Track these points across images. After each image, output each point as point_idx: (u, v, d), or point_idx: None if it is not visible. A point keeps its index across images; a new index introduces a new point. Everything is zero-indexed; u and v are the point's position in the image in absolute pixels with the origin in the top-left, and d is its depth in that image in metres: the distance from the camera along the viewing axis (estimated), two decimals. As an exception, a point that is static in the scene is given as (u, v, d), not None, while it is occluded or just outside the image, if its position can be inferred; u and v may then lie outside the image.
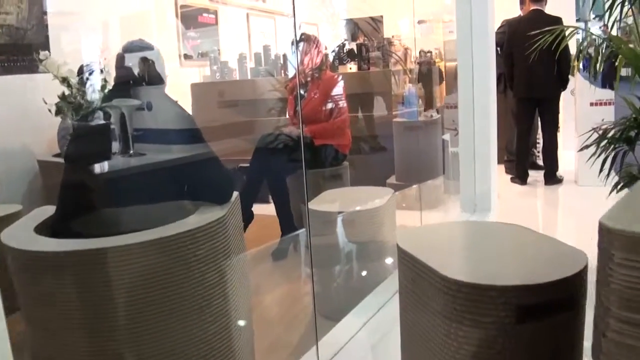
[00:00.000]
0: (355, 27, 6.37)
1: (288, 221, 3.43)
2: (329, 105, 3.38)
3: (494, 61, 3.43)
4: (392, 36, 4.86)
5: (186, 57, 5.40)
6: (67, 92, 2.68)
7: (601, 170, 3.01)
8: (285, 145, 3.31)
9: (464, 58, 3.32)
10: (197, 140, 1.87)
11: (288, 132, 3.39)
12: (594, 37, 3.18)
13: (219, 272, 1.68)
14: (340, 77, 3.63)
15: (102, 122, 2.15)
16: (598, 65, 3.06)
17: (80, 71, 2.88)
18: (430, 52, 4.73)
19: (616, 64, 3.00)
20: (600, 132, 2.95)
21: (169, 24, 5.12)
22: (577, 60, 4.34)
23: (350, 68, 4.93)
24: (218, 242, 1.66)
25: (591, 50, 3.26)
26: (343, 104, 3.45)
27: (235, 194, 1.88)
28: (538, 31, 3.55)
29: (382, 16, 6.87)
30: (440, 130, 4.60)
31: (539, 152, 5.74)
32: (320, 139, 3.35)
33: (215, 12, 5.87)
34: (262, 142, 3.38)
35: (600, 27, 7.90)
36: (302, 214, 3.62)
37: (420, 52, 4.66)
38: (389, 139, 4.59)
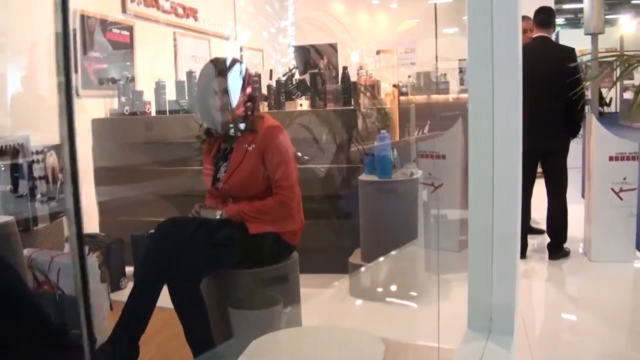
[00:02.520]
0: (307, 55, 5.25)
1: (202, 339, 2.15)
2: (271, 171, 2.11)
3: (520, 104, 2.27)
4: (360, 66, 3.67)
5: (86, 84, 4.11)
6: None
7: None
8: (200, 233, 2.04)
9: (480, 99, 2.14)
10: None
11: (203, 214, 2.11)
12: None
13: None
14: (285, 125, 2.38)
15: None
16: None
17: None
18: (407, 85, 3.57)
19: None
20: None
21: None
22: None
23: (301, 105, 3.71)
24: None
25: None
26: (292, 168, 2.17)
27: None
28: (573, 64, 2.47)
29: (336, 43, 5.83)
30: (420, 191, 3.43)
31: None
32: (255, 225, 2.07)
33: (130, 29, 4.62)
34: (161, 231, 2.08)
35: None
36: (230, 323, 2.35)
37: (395, 86, 3.49)
38: (351, 200, 3.38)
